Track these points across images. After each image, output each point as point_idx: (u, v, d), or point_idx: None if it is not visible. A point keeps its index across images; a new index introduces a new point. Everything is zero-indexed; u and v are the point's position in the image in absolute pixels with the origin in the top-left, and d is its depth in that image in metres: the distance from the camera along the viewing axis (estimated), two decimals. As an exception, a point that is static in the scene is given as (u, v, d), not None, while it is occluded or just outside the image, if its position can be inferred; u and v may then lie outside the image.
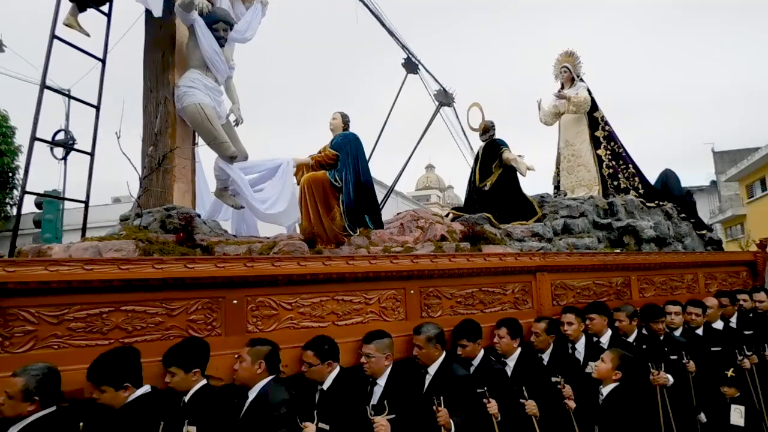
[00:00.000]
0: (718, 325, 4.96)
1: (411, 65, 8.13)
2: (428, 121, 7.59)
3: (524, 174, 5.62)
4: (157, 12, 3.55)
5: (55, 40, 3.72)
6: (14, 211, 14.36)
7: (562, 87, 7.21)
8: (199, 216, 3.82)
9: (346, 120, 4.83)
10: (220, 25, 3.90)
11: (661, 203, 6.55)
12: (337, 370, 2.99)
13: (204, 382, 2.67)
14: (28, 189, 3.84)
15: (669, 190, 7.02)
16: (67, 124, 4.27)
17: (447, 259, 3.70)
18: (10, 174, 14.50)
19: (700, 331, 4.71)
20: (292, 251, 3.37)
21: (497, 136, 6.05)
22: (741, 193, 27.52)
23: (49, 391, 2.31)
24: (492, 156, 5.79)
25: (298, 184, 4.52)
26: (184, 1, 3.58)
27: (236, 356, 2.81)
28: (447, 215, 5.39)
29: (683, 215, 6.69)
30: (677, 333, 4.53)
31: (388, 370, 3.10)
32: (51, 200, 4.46)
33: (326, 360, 2.94)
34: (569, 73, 7.10)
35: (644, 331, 4.35)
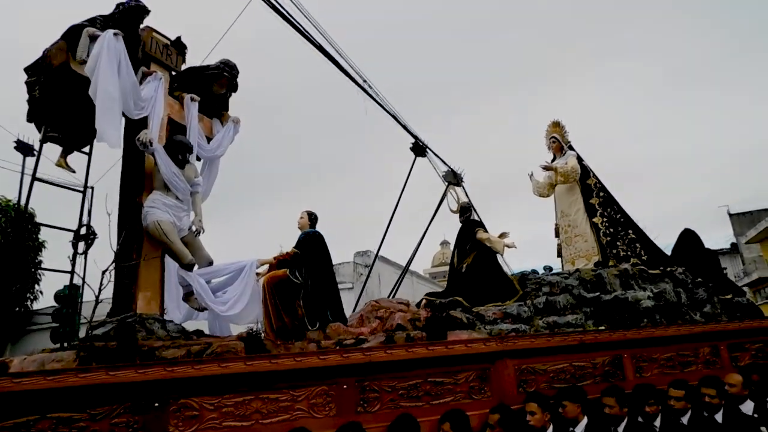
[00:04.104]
0: (748, 407, 4.35)
1: (419, 149, 8.53)
2: (438, 202, 7.84)
3: (501, 253, 5.54)
4: (114, 144, 4.16)
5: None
6: (35, 305, 14.82)
7: (554, 158, 7.19)
8: (161, 321, 4.17)
9: (312, 218, 5.16)
10: (177, 150, 4.54)
11: (670, 269, 6.05)
12: (250, 471, 3.04)
13: (113, 487, 2.83)
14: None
15: (686, 253, 6.49)
16: (89, 219, 4.84)
17: (382, 351, 3.70)
18: (33, 269, 14.63)
19: (719, 416, 4.17)
20: (225, 352, 3.57)
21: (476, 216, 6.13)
22: (764, 255, 25.72)
23: None
24: (467, 237, 5.79)
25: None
26: (138, 138, 4.26)
27: (150, 461, 2.97)
28: (420, 302, 5.39)
29: (699, 279, 6.10)
30: (685, 419, 4.07)
31: (307, 470, 3.11)
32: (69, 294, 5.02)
33: (237, 462, 3.02)
34: (558, 142, 7.10)
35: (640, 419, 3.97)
